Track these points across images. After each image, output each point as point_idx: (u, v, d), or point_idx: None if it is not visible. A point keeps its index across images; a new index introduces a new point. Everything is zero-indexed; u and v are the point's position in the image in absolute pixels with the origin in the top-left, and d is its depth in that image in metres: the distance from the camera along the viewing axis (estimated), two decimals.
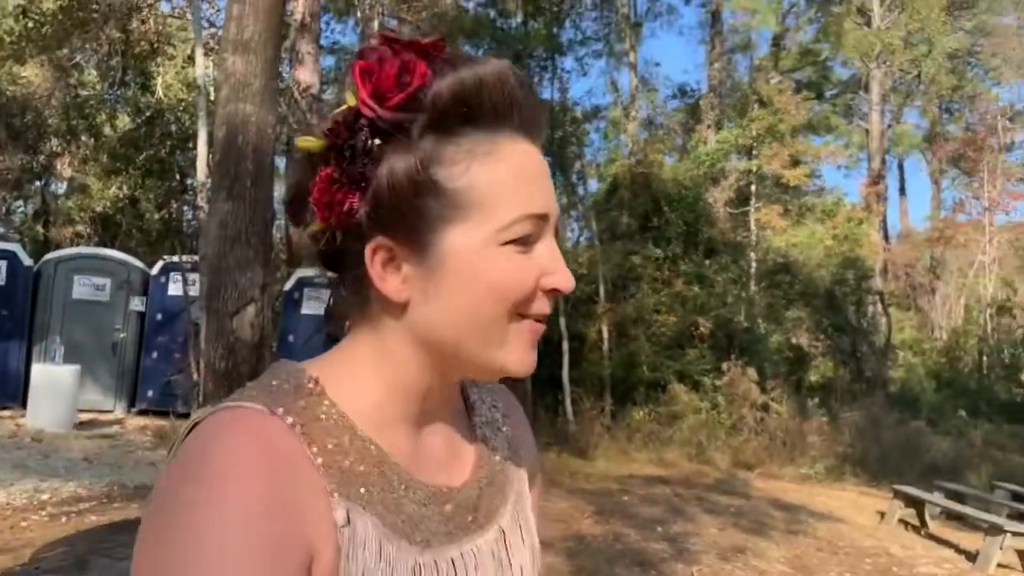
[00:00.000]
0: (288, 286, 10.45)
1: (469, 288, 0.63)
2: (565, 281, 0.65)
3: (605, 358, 12.83)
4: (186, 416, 9.48)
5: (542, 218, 0.64)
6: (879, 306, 18.30)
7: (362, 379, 0.67)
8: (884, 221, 21.24)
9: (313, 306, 10.19)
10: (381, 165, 0.61)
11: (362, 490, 0.62)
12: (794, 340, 16.96)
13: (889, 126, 22.53)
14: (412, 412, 0.68)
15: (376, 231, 0.63)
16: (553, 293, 0.65)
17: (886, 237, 21.43)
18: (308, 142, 0.65)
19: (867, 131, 21.84)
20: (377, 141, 0.62)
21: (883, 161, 21.32)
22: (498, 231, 0.62)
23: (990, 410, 15.57)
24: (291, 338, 9.84)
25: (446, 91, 0.61)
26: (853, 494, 9.71)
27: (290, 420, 0.60)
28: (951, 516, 8.12)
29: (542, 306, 0.65)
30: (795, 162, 19.82)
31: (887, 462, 11.05)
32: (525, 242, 0.63)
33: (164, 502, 0.56)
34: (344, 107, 0.64)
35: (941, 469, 10.56)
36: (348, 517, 0.60)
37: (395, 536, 0.63)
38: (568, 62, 17.54)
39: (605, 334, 12.97)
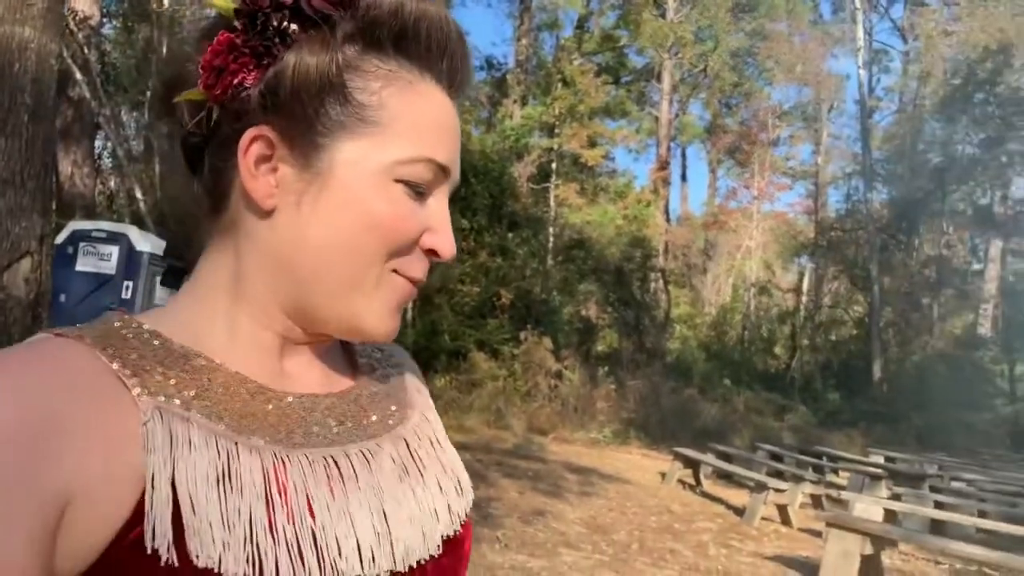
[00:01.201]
0: (60, 239, 9.34)
1: (349, 210, 0.57)
2: (446, 245, 0.60)
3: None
4: None
5: (442, 170, 0.59)
6: (660, 283, 19.78)
7: (196, 307, 0.60)
8: (667, 204, 22.90)
9: (90, 262, 9.18)
10: (291, 50, 0.55)
11: (184, 393, 0.54)
12: (584, 312, 17.94)
13: (676, 115, 24.22)
14: (267, 345, 0.61)
15: (261, 118, 0.56)
16: (431, 255, 0.61)
17: (668, 219, 23.13)
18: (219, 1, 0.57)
19: (657, 118, 23.36)
20: (295, 26, 0.56)
21: (669, 148, 22.93)
22: (395, 163, 0.57)
23: (751, 379, 17.43)
24: (63, 297, 8.80)
25: (386, 5, 0.57)
26: (637, 456, 10.47)
27: (78, 334, 0.54)
28: (721, 475, 9.00)
29: (417, 268, 0.60)
30: (592, 143, 20.83)
31: (666, 426, 12.03)
32: (418, 189, 0.58)
33: None
34: None
35: (711, 432, 11.68)
36: (160, 417, 0.51)
37: (239, 435, 0.54)
38: None
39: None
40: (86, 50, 11.34)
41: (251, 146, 0.56)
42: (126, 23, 15.70)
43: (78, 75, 10.81)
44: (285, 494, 0.53)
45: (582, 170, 21.41)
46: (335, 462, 0.58)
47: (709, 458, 8.84)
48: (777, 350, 21.40)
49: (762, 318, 22.08)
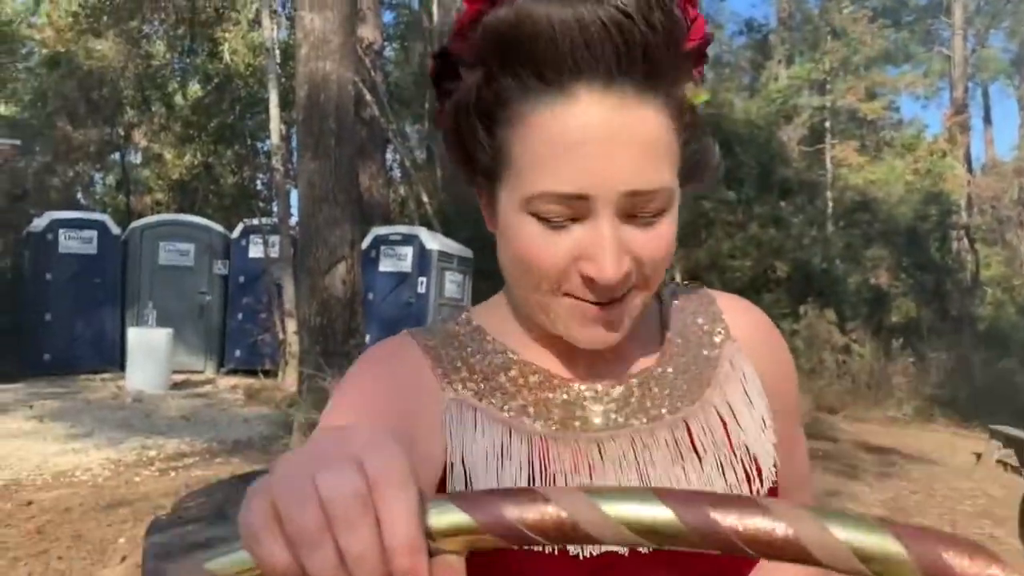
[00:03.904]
0: (364, 244, 10.61)
1: (505, 247, 0.62)
2: (599, 271, 0.57)
3: None
4: (273, 375, 9.82)
5: (574, 198, 0.56)
6: (965, 242, 17.56)
7: (500, 303, 0.71)
8: (968, 153, 20.23)
9: (390, 263, 10.31)
10: (455, 88, 0.61)
11: (479, 386, 0.64)
12: (873, 280, 16.47)
13: (973, 51, 21.29)
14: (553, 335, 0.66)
15: (452, 159, 0.66)
16: (588, 281, 0.58)
17: (970, 169, 20.43)
18: None
19: (949, 58, 20.71)
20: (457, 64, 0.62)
21: (966, 89, 20.22)
22: (524, 199, 0.57)
23: None
24: (370, 296, 9.99)
25: (490, 25, 0.56)
26: (945, 436, 9.45)
27: (421, 336, 0.69)
28: None
29: (583, 291, 0.59)
30: (871, 95, 19.02)
31: (979, 402, 10.69)
32: (550, 222, 0.57)
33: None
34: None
35: None
36: (457, 407, 0.63)
37: (516, 418, 0.63)
38: None
39: (678, 280, 12.81)
40: (373, 73, 12.63)
41: (477, 188, 0.66)
42: (403, 43, 17.28)
43: (368, 97, 12.10)
44: (546, 477, 0.60)
45: (861, 125, 19.65)
46: (600, 447, 0.62)
47: None
48: None
49: None
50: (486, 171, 0.61)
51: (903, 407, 10.76)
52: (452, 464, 0.60)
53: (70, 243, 10.30)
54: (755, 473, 0.65)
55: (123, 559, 3.83)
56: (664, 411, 0.65)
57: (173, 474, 5.57)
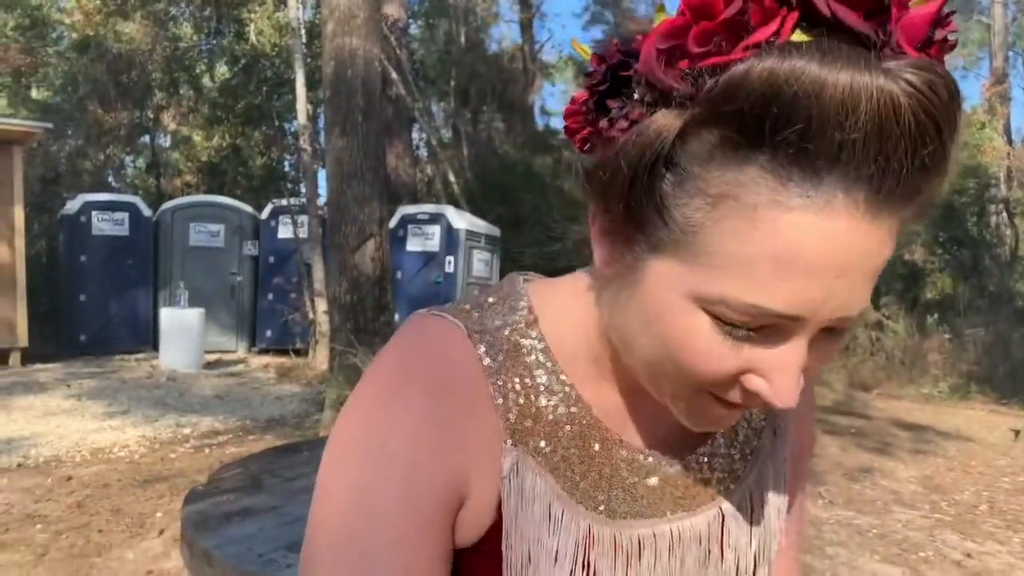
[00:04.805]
0: (392, 224, 10.63)
1: (649, 326, 0.50)
2: (775, 395, 0.47)
3: None
4: (304, 353, 9.91)
5: (787, 318, 0.45)
6: (1004, 215, 17.18)
7: (577, 320, 0.58)
8: (1008, 124, 19.72)
9: (418, 243, 10.32)
10: (629, 126, 0.47)
11: (542, 443, 0.56)
12: (908, 256, 16.18)
13: (1014, 19, 20.68)
14: (624, 383, 0.59)
15: (591, 190, 0.51)
16: (752, 396, 0.49)
17: (1010, 141, 19.92)
18: (578, 47, 0.54)
19: (988, 26, 20.14)
20: (637, 96, 0.47)
21: (1007, 58, 19.68)
22: (702, 296, 0.46)
23: None
24: (398, 275, 10.03)
25: (742, 81, 0.40)
26: (982, 413, 9.30)
27: (482, 349, 0.56)
28: None
29: (734, 396, 0.50)
30: None
31: (1017, 379, 10.50)
32: (730, 327, 0.46)
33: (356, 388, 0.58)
34: (650, 23, 0.47)
35: None
36: (517, 468, 0.55)
37: (570, 499, 0.56)
38: None
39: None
40: (398, 51, 12.59)
41: (593, 215, 0.53)
42: (428, 20, 17.19)
43: (393, 75, 12.07)
44: (588, 569, 0.57)
45: None
46: (641, 545, 0.58)
47: None
48: None
49: None
50: (649, 235, 0.48)
51: (938, 384, 10.60)
52: (507, 532, 0.56)
53: (103, 225, 10.44)
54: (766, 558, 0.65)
55: (160, 532, 3.90)
56: (707, 497, 0.62)
57: (207, 451, 5.65)
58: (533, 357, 0.57)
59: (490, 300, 0.60)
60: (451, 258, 10.18)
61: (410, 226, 10.39)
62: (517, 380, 0.57)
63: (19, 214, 9.22)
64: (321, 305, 8.64)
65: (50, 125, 10.61)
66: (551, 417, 0.57)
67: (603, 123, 0.49)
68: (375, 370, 0.56)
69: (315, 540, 0.53)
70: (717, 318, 0.46)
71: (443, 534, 0.54)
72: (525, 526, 0.55)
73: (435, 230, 10.29)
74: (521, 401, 0.56)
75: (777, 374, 0.47)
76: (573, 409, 0.58)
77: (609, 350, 0.57)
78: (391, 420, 0.53)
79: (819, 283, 0.43)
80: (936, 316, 13.25)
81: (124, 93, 13.95)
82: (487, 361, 0.56)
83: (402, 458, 0.52)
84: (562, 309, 0.59)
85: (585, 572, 0.56)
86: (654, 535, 0.59)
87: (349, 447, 0.54)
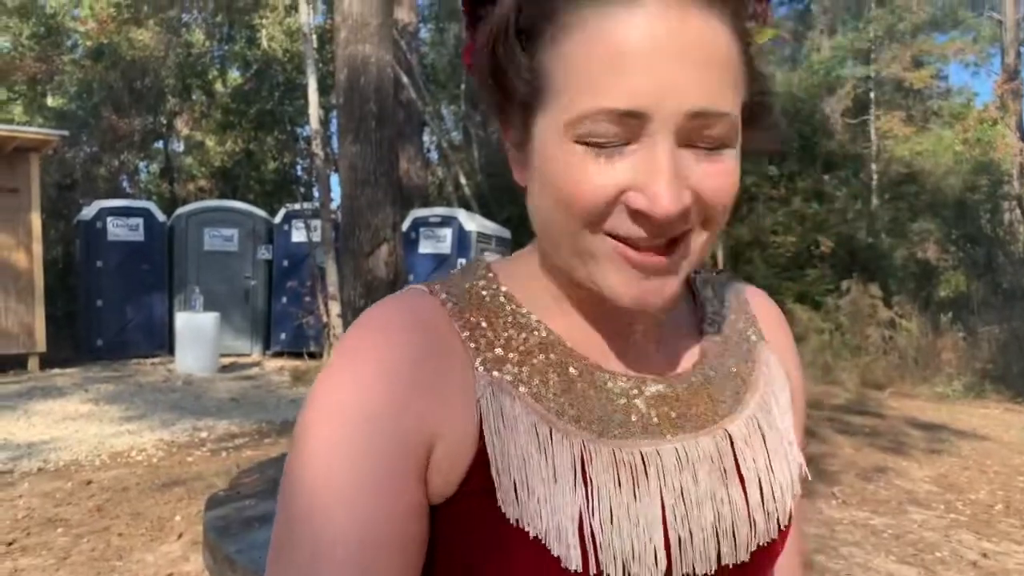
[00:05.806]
0: (404, 227, 10.69)
1: (541, 185, 0.54)
2: (652, 201, 0.49)
3: None
4: (318, 356, 9.97)
5: (630, 116, 0.48)
6: (1017, 212, 17.05)
7: (533, 272, 0.61)
8: (1020, 120, 19.58)
9: (429, 245, 10.38)
10: (489, 13, 0.54)
11: (516, 369, 0.56)
12: (921, 254, 16.10)
13: None
14: (595, 301, 0.57)
15: (486, 97, 0.56)
16: (639, 216, 0.50)
17: (1023, 137, 19.78)
18: None
19: (1000, 22, 19.99)
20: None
21: (1018, 54, 19.51)
22: (565, 124, 0.50)
23: None
24: (411, 278, 10.07)
25: None
26: (997, 411, 9.24)
27: (443, 296, 0.58)
28: None
29: (627, 228, 0.51)
30: (918, 63, 18.49)
31: None
32: (601, 145, 0.49)
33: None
34: None
35: None
36: (492, 390, 0.54)
37: (557, 420, 0.54)
38: None
39: (720, 259, 12.67)
40: (409, 55, 12.64)
41: (503, 129, 0.58)
42: (438, 24, 17.24)
43: (404, 79, 12.12)
44: (588, 486, 0.53)
45: (907, 95, 19.12)
46: (644, 460, 0.55)
47: None
48: None
49: None
50: (523, 102, 0.53)
51: (952, 383, 10.54)
52: (494, 456, 0.53)
53: (118, 231, 10.55)
54: (789, 485, 0.62)
55: (180, 536, 3.95)
56: (705, 419, 0.60)
57: (224, 454, 5.71)
58: (498, 300, 0.59)
59: (451, 272, 0.63)
60: (463, 260, 10.22)
61: (422, 229, 10.45)
62: (483, 319, 0.58)
63: (36, 220, 9.34)
64: (335, 308, 8.70)
65: (66, 132, 10.73)
66: (522, 348, 0.57)
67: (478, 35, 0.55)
68: (340, 340, 0.58)
69: (279, 507, 0.54)
70: (586, 143, 0.50)
71: (407, 484, 0.52)
72: (512, 448, 0.53)
73: (447, 233, 10.34)
74: (489, 335, 0.57)
75: (650, 183, 0.49)
76: (544, 337, 0.58)
77: (566, 287, 0.59)
78: (344, 377, 0.53)
79: (646, 72, 0.48)
80: (950, 314, 13.16)
81: (138, 100, 14.08)
82: (450, 305, 0.57)
83: (357, 412, 0.51)
84: (519, 267, 0.63)
85: (588, 490, 0.53)
86: (658, 452, 0.56)
87: (310, 413, 0.54)
